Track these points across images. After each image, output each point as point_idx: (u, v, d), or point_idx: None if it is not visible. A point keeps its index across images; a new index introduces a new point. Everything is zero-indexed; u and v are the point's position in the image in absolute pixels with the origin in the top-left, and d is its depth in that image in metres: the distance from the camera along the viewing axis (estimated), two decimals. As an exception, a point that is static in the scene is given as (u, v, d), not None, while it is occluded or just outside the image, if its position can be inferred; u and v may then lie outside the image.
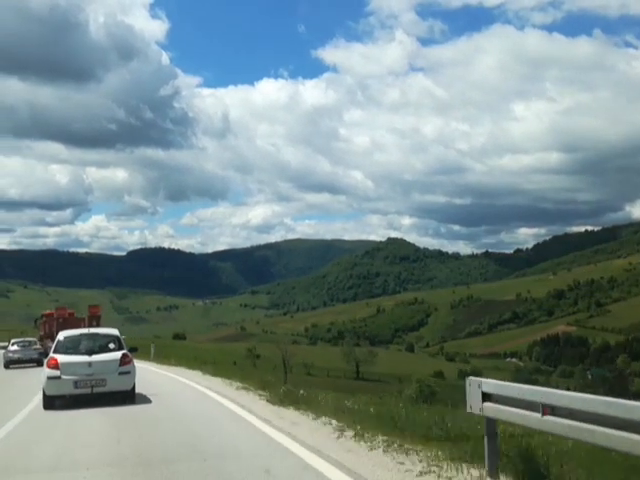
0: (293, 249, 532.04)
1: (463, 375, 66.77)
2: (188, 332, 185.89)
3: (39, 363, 31.81)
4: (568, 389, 31.03)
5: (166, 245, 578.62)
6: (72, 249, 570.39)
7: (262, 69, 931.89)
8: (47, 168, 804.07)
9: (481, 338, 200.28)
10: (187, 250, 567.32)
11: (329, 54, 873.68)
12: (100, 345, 13.05)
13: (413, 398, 25.82)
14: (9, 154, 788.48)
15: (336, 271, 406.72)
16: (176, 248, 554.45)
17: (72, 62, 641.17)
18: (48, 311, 41.62)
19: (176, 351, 44.82)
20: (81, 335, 13.61)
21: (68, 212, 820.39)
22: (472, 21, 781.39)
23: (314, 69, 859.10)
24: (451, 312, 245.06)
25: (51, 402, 12.40)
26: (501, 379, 6.14)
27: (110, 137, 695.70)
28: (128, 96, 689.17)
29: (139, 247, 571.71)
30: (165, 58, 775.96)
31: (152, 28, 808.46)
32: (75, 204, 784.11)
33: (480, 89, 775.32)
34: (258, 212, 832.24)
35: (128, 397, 12.75)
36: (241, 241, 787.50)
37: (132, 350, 13.78)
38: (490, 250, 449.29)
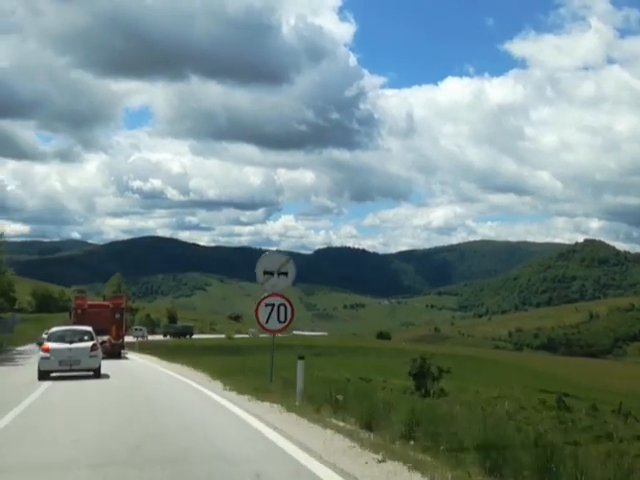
0: (477, 250, 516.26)
1: None
2: (377, 331, 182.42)
3: None
4: None
5: (350, 245, 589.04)
6: (264, 247, 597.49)
7: (446, 67, 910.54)
8: (242, 170, 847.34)
9: None
10: (370, 250, 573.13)
11: (517, 47, 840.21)
12: (78, 337, 18.74)
13: None
14: (208, 156, 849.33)
15: (527, 273, 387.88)
16: (360, 248, 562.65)
17: (266, 64, 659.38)
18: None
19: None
20: (66, 330, 19.88)
21: (260, 212, 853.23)
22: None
23: (501, 64, 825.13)
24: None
25: (43, 375, 17.69)
26: None
27: (299, 138, 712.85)
28: (317, 98, 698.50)
29: (325, 246, 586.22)
30: (352, 59, 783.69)
31: (340, 30, 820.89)
32: (267, 204, 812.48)
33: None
34: (439, 213, 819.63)
35: (95, 373, 18.36)
36: (421, 242, 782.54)
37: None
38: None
